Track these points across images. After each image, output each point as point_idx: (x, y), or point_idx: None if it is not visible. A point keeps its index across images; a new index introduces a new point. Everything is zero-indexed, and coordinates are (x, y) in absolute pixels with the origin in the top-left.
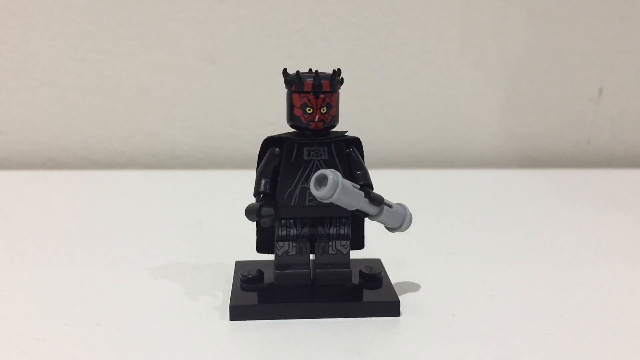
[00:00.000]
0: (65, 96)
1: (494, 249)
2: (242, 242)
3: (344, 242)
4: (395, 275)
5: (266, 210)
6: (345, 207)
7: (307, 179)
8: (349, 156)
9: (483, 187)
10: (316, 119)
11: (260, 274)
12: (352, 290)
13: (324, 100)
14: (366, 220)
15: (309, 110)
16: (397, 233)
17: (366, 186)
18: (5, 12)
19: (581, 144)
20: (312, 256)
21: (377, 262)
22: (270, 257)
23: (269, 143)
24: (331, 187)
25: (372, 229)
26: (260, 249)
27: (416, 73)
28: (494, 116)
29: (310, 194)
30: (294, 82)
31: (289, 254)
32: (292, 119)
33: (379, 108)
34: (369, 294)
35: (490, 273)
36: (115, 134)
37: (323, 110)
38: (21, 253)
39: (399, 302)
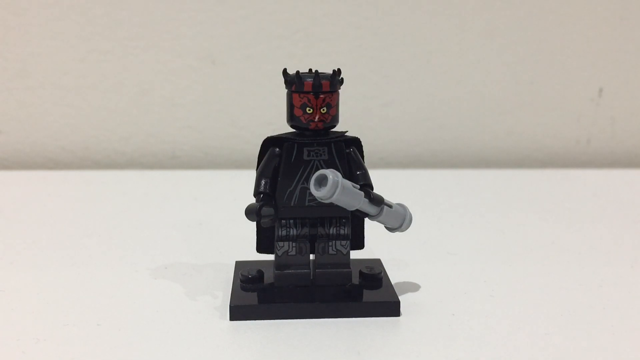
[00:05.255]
0: (65, 96)
1: (494, 249)
2: (242, 242)
3: (344, 242)
4: (395, 275)
5: (266, 210)
6: (345, 207)
7: (307, 179)
8: (348, 156)
9: (483, 187)
10: (316, 119)
11: (260, 274)
12: (352, 290)
13: (324, 100)
14: (366, 220)
15: (309, 110)
16: (397, 233)
17: (366, 186)
18: (5, 12)
19: (581, 144)
20: (312, 256)
21: (377, 262)
22: (270, 257)
23: (269, 143)
24: (331, 187)
25: (372, 229)
26: (260, 249)
27: (416, 73)
28: (494, 116)
29: (310, 194)
30: (294, 82)
31: (289, 254)
32: (292, 119)
33: (379, 108)
34: (369, 294)
35: (490, 273)
36: (115, 134)
37: (323, 110)
38: (21, 253)
39: (399, 302)
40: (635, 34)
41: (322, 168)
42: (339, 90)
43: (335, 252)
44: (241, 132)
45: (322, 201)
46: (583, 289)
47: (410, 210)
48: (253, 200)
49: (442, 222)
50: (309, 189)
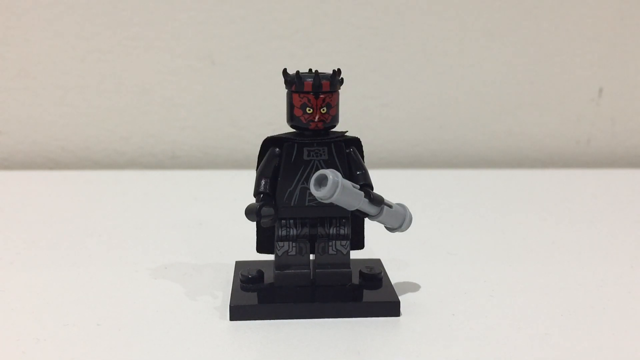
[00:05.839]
0: (65, 96)
1: (494, 249)
2: (242, 242)
3: (344, 242)
4: (395, 275)
5: (266, 210)
6: (345, 207)
7: (307, 179)
8: (348, 156)
9: (483, 187)
10: (316, 119)
11: (260, 274)
12: (352, 290)
13: (323, 100)
14: (366, 220)
15: (309, 110)
16: (397, 233)
17: (366, 186)
18: (5, 12)
19: (581, 144)
20: (312, 256)
21: (377, 262)
22: (270, 257)
23: (269, 143)
24: (331, 187)
25: (372, 229)
26: (260, 249)
27: (416, 73)
28: (494, 116)
29: (310, 194)
30: (293, 82)
31: (289, 254)
32: (292, 119)
33: (379, 108)
34: (369, 294)
35: (490, 273)
36: (115, 134)
37: (323, 110)
38: (21, 253)
39: (399, 302)
40: (635, 34)
41: (322, 168)
42: (339, 90)
43: (335, 252)
44: (241, 132)
45: (322, 201)
46: (583, 289)
47: (410, 210)
48: (253, 200)
49: (442, 222)
50: (309, 189)
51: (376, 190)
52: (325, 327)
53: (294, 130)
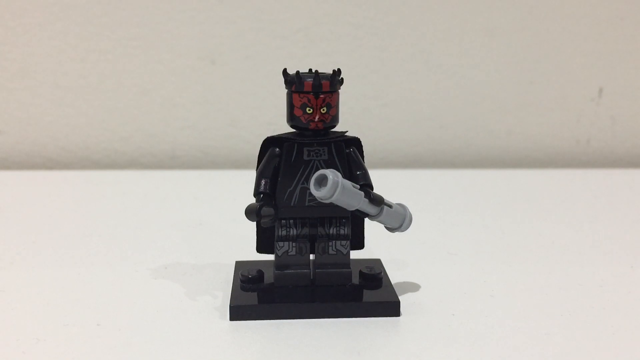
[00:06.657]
0: (65, 96)
1: (494, 249)
2: (242, 242)
3: (344, 242)
4: (395, 275)
5: (266, 210)
6: (345, 207)
7: (307, 179)
8: (349, 156)
9: (483, 187)
10: (316, 119)
11: (260, 274)
12: (352, 290)
13: (323, 100)
14: (366, 220)
15: (309, 110)
16: (397, 233)
17: (366, 186)
18: (5, 12)
19: (581, 144)
20: (312, 256)
21: (377, 262)
22: (270, 257)
23: (269, 143)
24: (331, 187)
25: (372, 229)
26: (260, 249)
27: (416, 73)
28: (494, 116)
29: (310, 194)
30: (294, 82)
31: (289, 254)
32: (292, 119)
33: (379, 108)
34: (369, 294)
35: (490, 273)
36: (115, 134)
37: (323, 110)
38: (21, 253)
39: (399, 302)
40: (635, 34)
41: (322, 168)
42: (339, 90)
43: (335, 252)
44: (241, 132)
45: (322, 201)
46: (583, 289)
47: (410, 210)
48: (253, 200)
49: (442, 222)
50: (309, 189)
51: (376, 190)
52: (325, 327)
53: (294, 130)
